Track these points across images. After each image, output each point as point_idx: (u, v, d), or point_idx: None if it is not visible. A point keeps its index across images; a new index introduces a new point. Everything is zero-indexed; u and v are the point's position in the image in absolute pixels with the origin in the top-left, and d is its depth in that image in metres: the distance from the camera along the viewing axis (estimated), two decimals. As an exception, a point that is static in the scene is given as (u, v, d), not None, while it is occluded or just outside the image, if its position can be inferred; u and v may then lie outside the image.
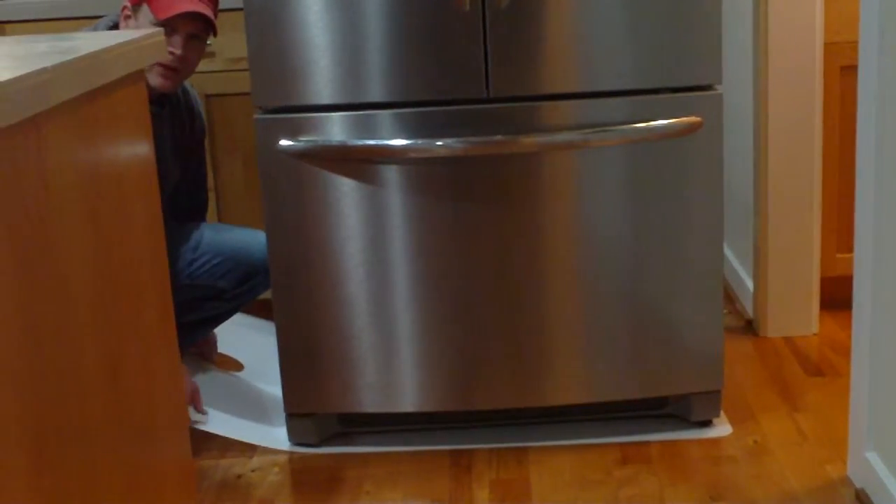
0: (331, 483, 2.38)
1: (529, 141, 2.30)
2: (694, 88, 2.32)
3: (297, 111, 2.32)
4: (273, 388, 2.62)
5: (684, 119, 2.31)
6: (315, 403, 2.48)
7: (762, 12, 2.82)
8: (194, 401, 2.58)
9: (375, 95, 2.30)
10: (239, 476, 2.42)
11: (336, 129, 2.31)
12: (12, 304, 1.19)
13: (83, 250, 1.40)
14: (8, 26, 2.94)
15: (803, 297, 2.98)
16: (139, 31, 1.66)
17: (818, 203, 2.93)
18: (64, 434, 1.31)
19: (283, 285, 2.40)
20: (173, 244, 2.55)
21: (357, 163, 2.32)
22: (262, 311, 2.96)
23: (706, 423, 2.51)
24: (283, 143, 2.31)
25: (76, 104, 1.37)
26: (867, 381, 2.14)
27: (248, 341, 3.00)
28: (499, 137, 2.29)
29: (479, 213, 2.35)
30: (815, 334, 3.00)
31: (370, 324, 2.41)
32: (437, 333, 2.42)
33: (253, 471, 2.44)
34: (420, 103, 2.31)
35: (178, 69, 2.40)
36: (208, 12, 2.39)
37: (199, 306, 2.66)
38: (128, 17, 2.40)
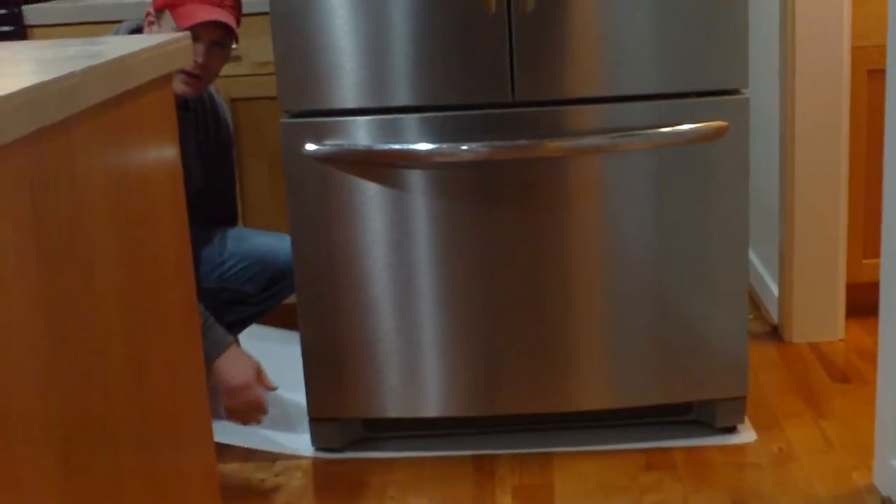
0: (354, 488, 2.38)
1: (554, 145, 2.30)
2: (720, 92, 2.31)
3: (323, 115, 2.33)
4: (295, 395, 2.63)
5: (710, 123, 2.30)
6: (339, 408, 2.48)
7: (789, 16, 2.81)
8: (261, 380, 2.47)
9: (401, 99, 2.31)
10: (263, 480, 2.43)
11: (361, 133, 2.31)
12: (40, 306, 1.20)
13: (110, 252, 1.41)
14: (37, 30, 2.96)
15: (829, 303, 2.96)
16: (166, 36, 1.66)
17: (844, 208, 2.91)
18: (90, 436, 1.32)
19: (308, 289, 2.41)
20: (197, 248, 2.55)
21: (382, 167, 2.33)
22: (281, 320, 2.96)
23: (731, 430, 2.50)
24: (309, 147, 2.32)
25: (104, 108, 1.38)
26: (893, 388, 2.13)
27: (269, 351, 3.01)
28: (524, 142, 2.29)
29: (504, 218, 2.35)
30: (840, 340, 2.98)
31: (394, 328, 2.41)
32: (461, 338, 2.42)
33: (277, 475, 2.45)
34: (445, 107, 2.31)
35: (200, 76, 2.41)
36: (230, 20, 2.39)
37: (224, 310, 2.67)
38: (151, 22, 2.42)
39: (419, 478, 2.40)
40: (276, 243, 2.65)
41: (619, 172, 2.34)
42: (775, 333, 3.06)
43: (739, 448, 2.44)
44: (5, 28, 2.95)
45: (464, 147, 2.28)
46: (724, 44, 2.28)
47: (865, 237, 2.96)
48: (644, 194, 2.35)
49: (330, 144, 2.31)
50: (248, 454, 2.52)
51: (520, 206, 2.35)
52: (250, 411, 2.43)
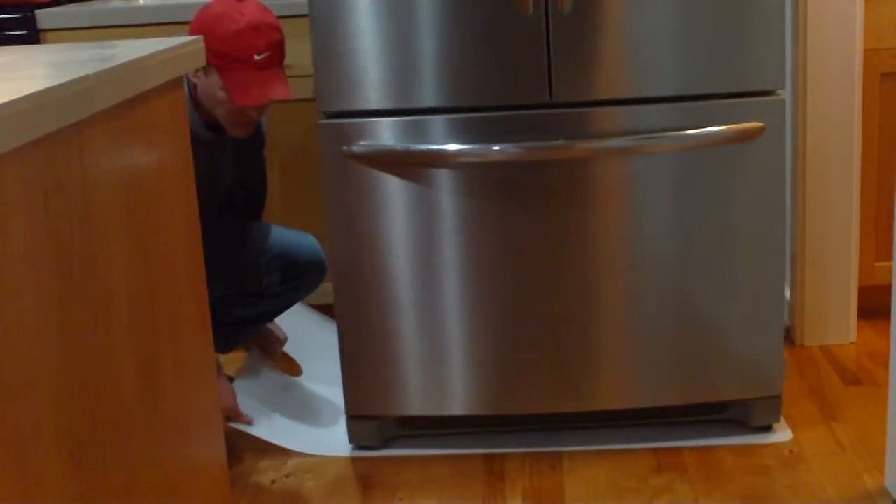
0: (364, 488, 2.38)
1: (590, 146, 2.29)
2: (756, 93, 2.30)
3: (361, 116, 2.32)
4: (329, 388, 2.63)
5: (746, 125, 2.29)
6: (372, 406, 2.48)
7: (801, 18, 2.81)
8: (236, 415, 2.56)
9: (434, 100, 2.30)
10: (273, 481, 2.43)
11: (396, 134, 2.31)
12: (52, 307, 1.21)
13: (122, 254, 1.42)
14: (50, 34, 2.97)
15: (841, 306, 2.96)
16: (178, 39, 1.67)
17: (856, 211, 2.91)
18: (101, 437, 1.33)
19: (344, 287, 2.41)
20: (229, 242, 2.57)
21: (415, 167, 2.33)
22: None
23: (767, 428, 2.49)
24: (346, 147, 2.32)
25: (117, 111, 1.39)
26: (905, 391, 2.12)
27: (315, 338, 3.00)
28: (559, 142, 2.28)
29: (531, 219, 2.35)
30: (852, 343, 2.97)
31: (419, 326, 2.41)
32: (485, 337, 2.41)
33: (287, 476, 2.45)
34: (479, 108, 2.30)
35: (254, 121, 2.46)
36: (285, 88, 2.36)
37: (241, 302, 2.67)
38: (197, 70, 2.37)
39: (428, 478, 2.40)
40: (301, 240, 2.66)
41: (654, 174, 2.33)
42: (787, 336, 3.06)
43: (750, 450, 2.44)
44: (19, 32, 2.96)
45: (495, 148, 2.28)
46: (760, 44, 2.26)
47: (877, 240, 2.95)
48: (681, 195, 2.33)
49: (366, 145, 2.31)
50: (259, 455, 2.53)
51: (547, 207, 2.34)
52: None
